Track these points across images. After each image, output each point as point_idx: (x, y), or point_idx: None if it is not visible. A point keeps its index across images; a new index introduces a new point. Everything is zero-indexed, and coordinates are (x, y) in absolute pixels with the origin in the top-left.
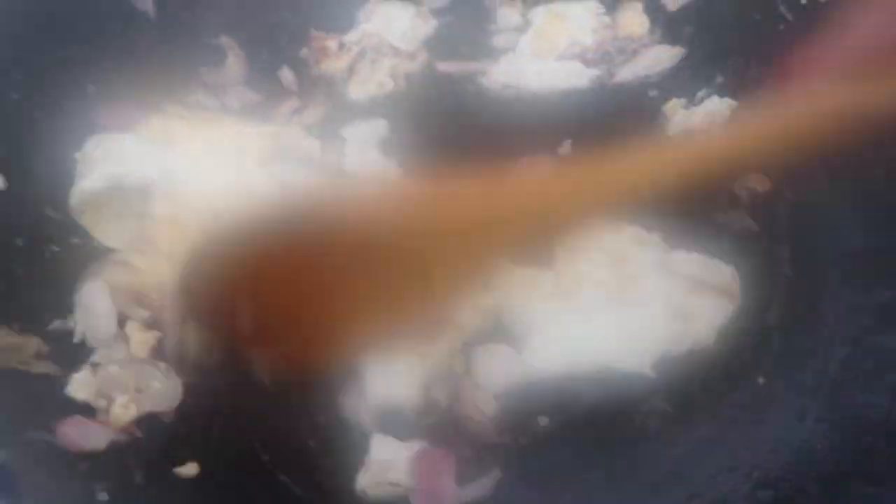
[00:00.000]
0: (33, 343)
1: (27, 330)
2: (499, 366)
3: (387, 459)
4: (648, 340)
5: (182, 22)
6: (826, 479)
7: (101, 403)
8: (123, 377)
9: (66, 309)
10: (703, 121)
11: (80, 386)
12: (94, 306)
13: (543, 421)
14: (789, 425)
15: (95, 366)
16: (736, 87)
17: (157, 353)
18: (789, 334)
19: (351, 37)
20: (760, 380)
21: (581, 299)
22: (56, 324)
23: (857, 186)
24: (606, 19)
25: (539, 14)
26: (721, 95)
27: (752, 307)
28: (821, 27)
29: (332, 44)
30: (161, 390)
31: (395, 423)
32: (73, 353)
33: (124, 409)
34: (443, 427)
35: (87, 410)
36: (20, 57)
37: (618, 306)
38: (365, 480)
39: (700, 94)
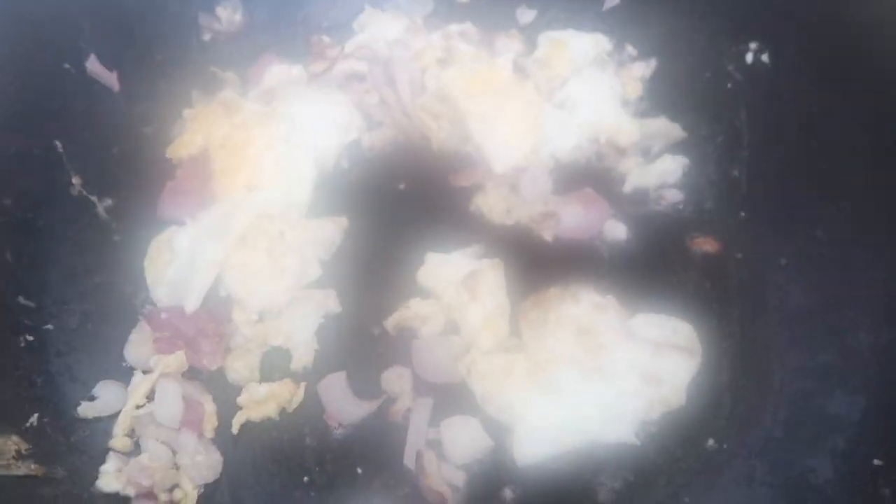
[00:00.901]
0: (12, 443)
1: (5, 430)
2: (466, 438)
3: None
4: (628, 409)
5: None
6: None
7: (130, 492)
8: (157, 460)
9: (41, 402)
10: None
11: (110, 478)
12: (165, 398)
13: (508, 493)
14: (737, 490)
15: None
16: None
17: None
18: (738, 396)
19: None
20: (710, 442)
21: (557, 378)
22: (33, 419)
23: (802, 247)
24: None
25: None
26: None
27: (706, 368)
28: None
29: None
30: (205, 462)
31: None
32: (52, 450)
33: (187, 494)
34: (413, 497)
35: None
36: None
37: (593, 380)
38: None
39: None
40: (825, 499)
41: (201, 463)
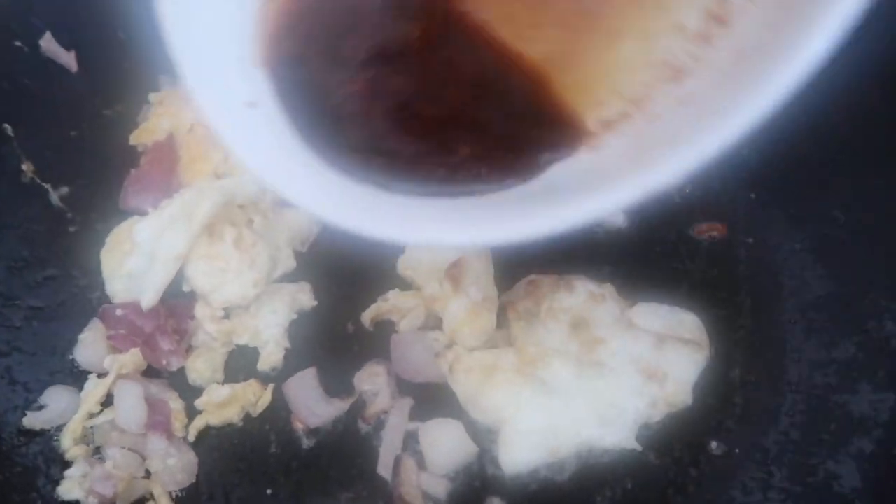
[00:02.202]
0: None
1: None
2: (447, 443)
3: None
4: (628, 409)
5: None
6: None
7: (92, 502)
8: (123, 468)
9: None
10: None
11: (73, 483)
12: (125, 401)
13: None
14: (751, 499)
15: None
16: None
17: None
18: (750, 394)
19: None
20: (720, 445)
21: (548, 376)
22: None
23: (818, 229)
24: None
25: None
26: None
27: (714, 363)
28: None
29: None
30: (178, 465)
31: None
32: None
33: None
34: None
35: None
36: None
37: (589, 377)
38: None
39: None
40: None
41: (174, 466)
